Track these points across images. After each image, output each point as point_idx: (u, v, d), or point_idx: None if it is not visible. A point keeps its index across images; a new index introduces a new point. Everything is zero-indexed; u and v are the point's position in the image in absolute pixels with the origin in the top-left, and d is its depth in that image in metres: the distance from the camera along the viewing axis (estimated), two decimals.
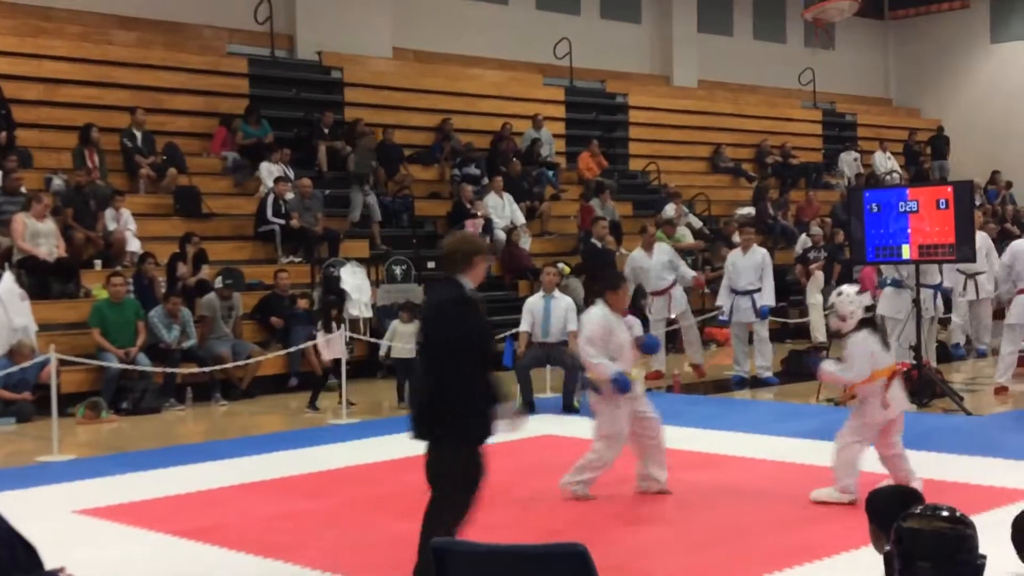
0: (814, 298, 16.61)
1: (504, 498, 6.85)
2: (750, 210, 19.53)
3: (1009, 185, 24.28)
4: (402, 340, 11.95)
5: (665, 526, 7.03)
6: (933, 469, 7.63)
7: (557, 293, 11.67)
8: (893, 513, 3.21)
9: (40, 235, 12.60)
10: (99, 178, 14.23)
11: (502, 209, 16.83)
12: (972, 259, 12.08)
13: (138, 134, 15.22)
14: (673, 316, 13.64)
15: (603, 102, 21.89)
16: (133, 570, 6.10)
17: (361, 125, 17.23)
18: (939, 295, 13.17)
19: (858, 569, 5.45)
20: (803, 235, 18.33)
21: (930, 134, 26.02)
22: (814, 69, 25.39)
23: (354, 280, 13.97)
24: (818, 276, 16.80)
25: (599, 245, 14.28)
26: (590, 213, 16.89)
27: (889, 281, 12.55)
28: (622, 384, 7.29)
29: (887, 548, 2.92)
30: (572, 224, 18.02)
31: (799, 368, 13.36)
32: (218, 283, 13.20)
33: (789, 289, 17.01)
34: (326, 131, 17.06)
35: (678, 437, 8.14)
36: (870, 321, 7.37)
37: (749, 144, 23.37)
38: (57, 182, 13.97)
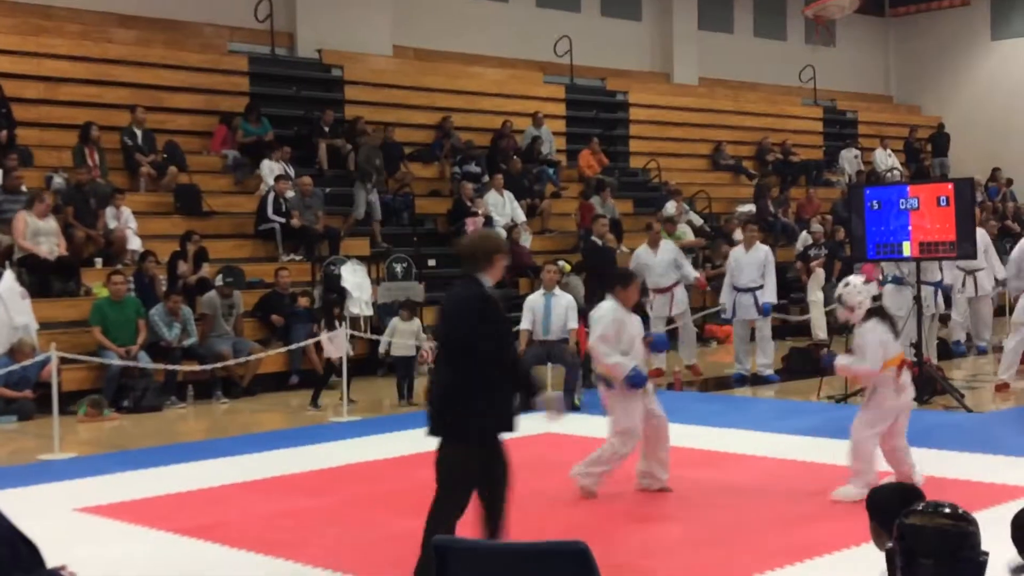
0: (815, 295, 16.60)
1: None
2: (751, 207, 19.53)
3: (1010, 182, 24.27)
4: (402, 338, 11.97)
5: (667, 524, 7.03)
6: (934, 466, 7.63)
7: (557, 291, 11.67)
8: (894, 510, 3.21)
9: (41, 233, 12.60)
10: (99, 176, 14.23)
11: (502, 207, 16.83)
12: (973, 256, 12.09)
13: (138, 132, 15.22)
14: (673, 315, 13.65)
15: (603, 100, 21.88)
16: (134, 568, 6.10)
17: (362, 123, 17.24)
18: (940, 292, 13.19)
19: (859, 566, 5.45)
20: (804, 232, 18.33)
21: (931, 131, 26.01)
22: (815, 66, 25.37)
23: (354, 278, 13.98)
24: (819, 273, 16.79)
25: (599, 243, 14.28)
26: (589, 211, 16.88)
27: (890, 278, 12.56)
28: (638, 380, 7.29)
29: (889, 545, 2.92)
30: (573, 222, 18.02)
31: (800, 365, 13.38)
32: (219, 281, 13.20)
33: (790, 286, 17.01)
34: (326, 129, 17.06)
35: (679, 434, 8.13)
36: (878, 310, 7.36)
37: (750, 141, 23.36)
38: (58, 180, 13.97)
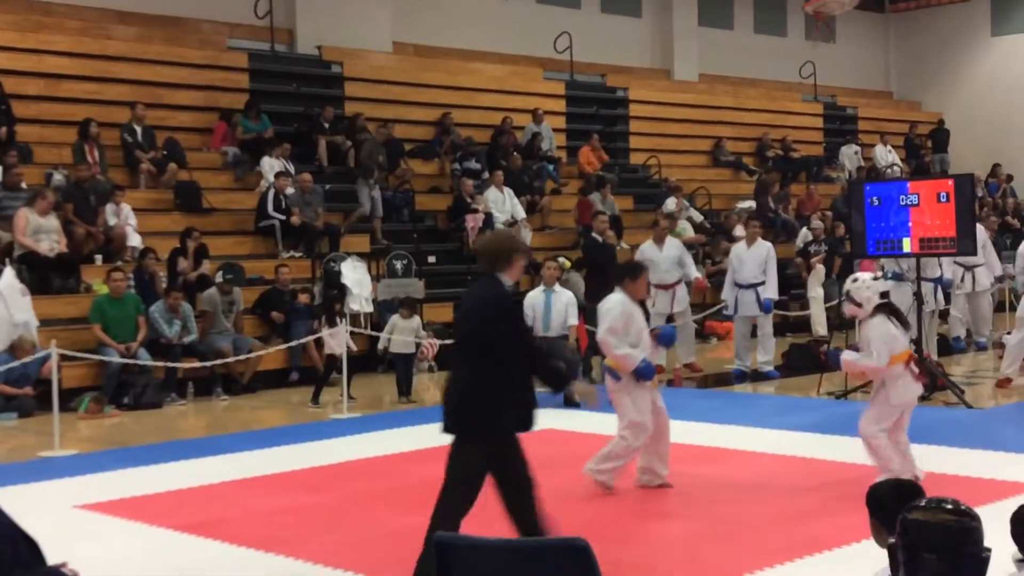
0: (815, 291, 16.63)
1: (494, 490, 6.85)
2: (751, 204, 19.53)
3: (1010, 178, 24.28)
4: (402, 335, 11.97)
5: (667, 520, 7.03)
6: (934, 462, 7.64)
7: (557, 287, 11.67)
8: (893, 506, 3.21)
9: (42, 231, 12.59)
10: (99, 173, 14.23)
11: (502, 203, 16.82)
12: (973, 252, 12.09)
13: (138, 129, 15.21)
14: (674, 312, 13.64)
15: (604, 96, 21.87)
16: (135, 565, 6.10)
17: (362, 119, 17.23)
18: (940, 288, 13.19)
19: (859, 562, 5.45)
20: (804, 229, 18.33)
21: (931, 127, 26.00)
22: (815, 62, 25.36)
23: (355, 275, 13.98)
24: (819, 269, 16.81)
25: (600, 240, 14.27)
26: (587, 207, 16.88)
27: (890, 275, 12.55)
28: (648, 372, 7.29)
29: (891, 540, 2.92)
30: (573, 218, 18.02)
31: (800, 362, 13.38)
32: (219, 278, 13.20)
33: (790, 283, 17.01)
34: (326, 126, 17.05)
35: (679, 431, 8.14)
36: (885, 306, 7.34)
37: (750, 138, 23.35)
38: (58, 177, 13.97)
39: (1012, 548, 3.43)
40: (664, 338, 8.10)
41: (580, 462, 7.69)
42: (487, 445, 5.15)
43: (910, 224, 11.03)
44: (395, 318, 12.22)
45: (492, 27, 20.71)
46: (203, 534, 6.57)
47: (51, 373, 10.11)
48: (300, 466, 8.51)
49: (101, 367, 11.69)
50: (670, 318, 13.67)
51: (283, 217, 14.69)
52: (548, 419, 9.89)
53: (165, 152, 15.31)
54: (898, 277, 12.45)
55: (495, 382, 5.13)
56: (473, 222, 16.24)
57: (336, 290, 13.56)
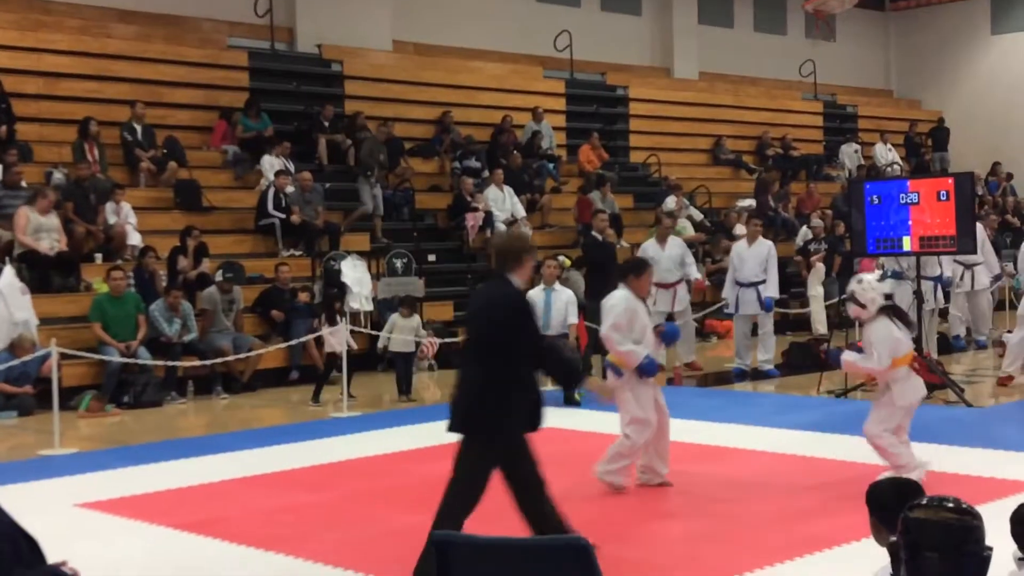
0: (815, 290, 16.63)
1: (505, 490, 6.85)
2: (751, 202, 19.53)
3: (1010, 176, 24.28)
4: (401, 334, 11.97)
5: (667, 519, 7.03)
6: (934, 461, 7.62)
7: (557, 286, 11.67)
8: (893, 505, 3.21)
9: (43, 229, 12.59)
10: (99, 172, 14.22)
11: (502, 202, 16.82)
12: (973, 251, 12.10)
13: (138, 128, 15.21)
14: (675, 311, 13.63)
15: (603, 94, 21.87)
16: (135, 563, 6.10)
17: (362, 118, 17.23)
18: (939, 287, 13.18)
19: (859, 561, 5.45)
20: (804, 227, 18.33)
21: (931, 126, 26.00)
22: (815, 61, 25.35)
23: (355, 273, 13.98)
24: (819, 268, 16.81)
25: (599, 238, 14.27)
26: (587, 206, 16.88)
27: (890, 273, 12.55)
28: (651, 368, 7.29)
29: (893, 539, 2.92)
30: (572, 217, 18.02)
31: (800, 360, 13.38)
32: (219, 276, 13.20)
33: (790, 281, 17.01)
34: (326, 124, 17.05)
35: (679, 429, 8.14)
36: (890, 308, 7.32)
37: (750, 136, 23.35)
38: (57, 176, 13.96)
39: (1012, 547, 3.43)
40: (668, 335, 8.09)
41: (580, 460, 7.70)
42: (495, 445, 5.16)
43: (910, 222, 11.03)
44: (395, 317, 12.22)
45: (492, 25, 20.71)
46: (203, 532, 6.57)
47: (51, 372, 10.11)
48: (300, 465, 8.51)
49: (101, 366, 11.69)
50: (670, 317, 13.66)
51: (283, 216, 14.69)
52: (549, 418, 9.91)
53: (165, 151, 15.31)
54: (898, 275, 12.45)
55: (504, 382, 5.14)
56: (473, 221, 16.25)
57: (336, 289, 13.56)
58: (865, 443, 7.38)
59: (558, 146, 19.86)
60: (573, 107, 20.98)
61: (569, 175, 19.51)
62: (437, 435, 9.00)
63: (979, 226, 13.94)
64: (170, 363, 11.79)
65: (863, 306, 7.19)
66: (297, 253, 14.74)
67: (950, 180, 11.17)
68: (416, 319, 12.30)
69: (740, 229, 16.61)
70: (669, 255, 13.50)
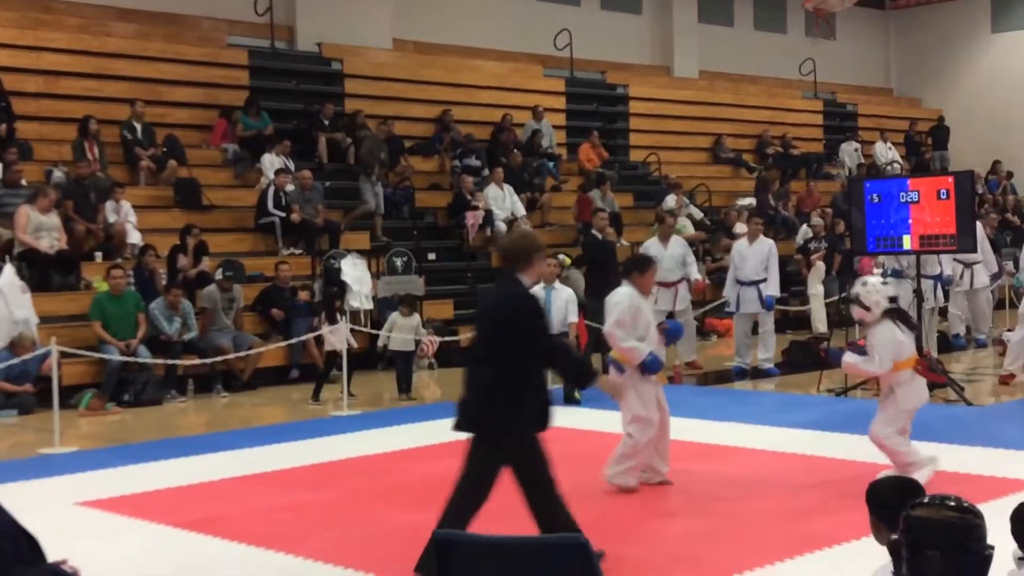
0: (815, 288, 16.63)
1: (506, 489, 6.85)
2: (751, 201, 19.52)
3: (1010, 175, 24.28)
4: (401, 332, 11.97)
5: (667, 517, 7.03)
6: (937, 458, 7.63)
7: (557, 284, 11.65)
8: (893, 504, 3.21)
9: (43, 228, 12.59)
10: (99, 170, 14.22)
11: (503, 200, 16.82)
12: (973, 249, 12.09)
13: (138, 126, 15.20)
14: (676, 310, 13.62)
15: (603, 93, 21.86)
16: (135, 562, 6.10)
17: (362, 116, 17.22)
18: (939, 285, 13.18)
19: (859, 560, 5.45)
20: (804, 226, 18.32)
21: (931, 124, 26.00)
22: (815, 59, 25.35)
23: (355, 272, 13.99)
24: (819, 266, 16.81)
25: (599, 237, 14.26)
26: (587, 204, 16.88)
27: (890, 272, 12.55)
28: (654, 365, 7.29)
29: (894, 537, 2.92)
30: (572, 215, 18.01)
31: (800, 359, 13.38)
32: (219, 275, 13.20)
33: (790, 280, 17.01)
34: (326, 123, 17.05)
35: (680, 428, 8.13)
36: (894, 311, 7.28)
37: (750, 135, 23.35)
38: (57, 174, 13.96)
39: (1012, 546, 3.43)
40: (672, 333, 8.07)
41: (579, 459, 7.70)
42: (504, 445, 5.17)
43: (910, 221, 11.02)
44: (395, 315, 12.22)
45: (492, 24, 20.70)
46: (203, 531, 6.57)
47: (51, 370, 10.10)
48: (300, 463, 8.51)
49: (101, 364, 11.69)
50: (670, 315, 13.66)
51: (283, 214, 14.69)
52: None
53: (165, 149, 15.31)
54: (898, 274, 12.44)
55: (513, 382, 5.15)
56: (473, 219, 16.25)
57: (336, 287, 13.56)
58: (866, 442, 7.39)
59: (558, 145, 19.86)
60: (573, 106, 20.98)
61: (569, 174, 19.50)
62: (437, 434, 9.05)
63: (978, 224, 13.95)
64: (170, 362, 11.79)
65: (867, 308, 7.18)
66: (297, 251, 14.74)
67: (950, 179, 11.16)
68: (416, 318, 12.30)
69: (740, 228, 16.61)
70: (671, 254, 13.49)
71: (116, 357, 11.57)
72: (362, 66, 18.50)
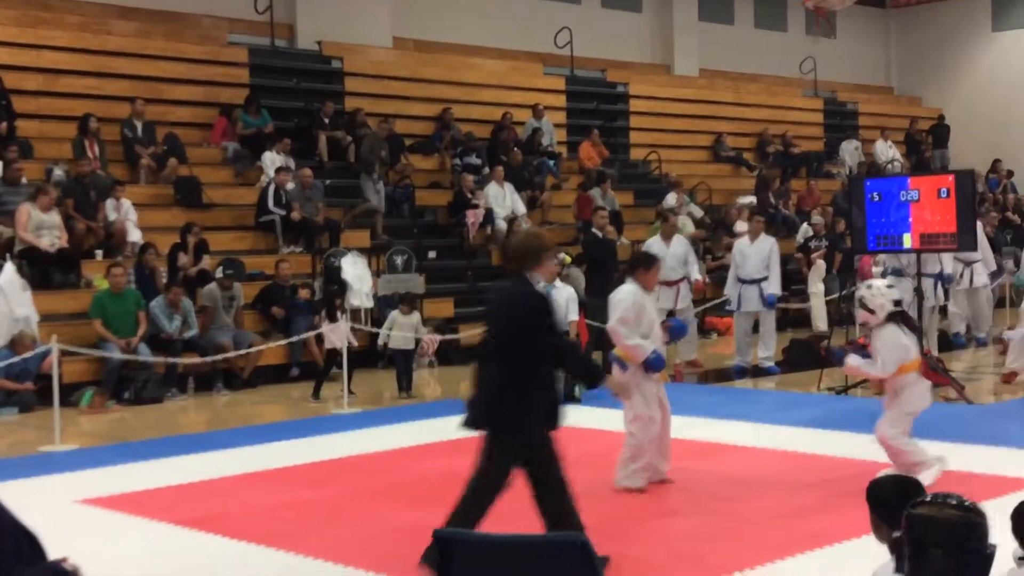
0: (815, 287, 16.62)
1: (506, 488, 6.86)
2: (751, 199, 19.52)
3: (1010, 174, 24.26)
4: (401, 331, 11.97)
5: (668, 516, 7.03)
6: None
7: (558, 283, 11.63)
8: (894, 502, 3.21)
9: (44, 226, 12.60)
10: (100, 168, 14.22)
11: (503, 199, 16.82)
12: (974, 248, 12.09)
13: (138, 124, 15.20)
14: (676, 309, 13.61)
15: (604, 91, 21.85)
16: (136, 560, 6.10)
17: (362, 115, 17.22)
18: (940, 284, 13.17)
19: (860, 558, 5.46)
20: (804, 224, 18.33)
21: (931, 123, 25.98)
22: (815, 58, 25.34)
23: (355, 270, 13.98)
24: (820, 265, 16.80)
25: (600, 235, 14.26)
26: (587, 203, 16.88)
27: (890, 270, 12.55)
28: (657, 363, 7.28)
29: (896, 535, 2.92)
30: (573, 214, 18.01)
31: (800, 357, 13.37)
32: (219, 273, 13.20)
33: (791, 278, 17.01)
34: (326, 121, 17.04)
35: (680, 426, 8.14)
36: (898, 315, 7.25)
37: (750, 133, 23.34)
38: (58, 172, 13.96)
39: (1013, 544, 3.43)
40: (675, 330, 8.06)
41: (579, 458, 7.65)
42: (514, 444, 5.18)
43: (910, 220, 11.02)
44: (395, 314, 12.22)
45: (492, 22, 20.70)
46: (204, 529, 6.57)
47: (52, 368, 10.11)
48: (301, 461, 8.52)
49: (102, 362, 11.69)
50: (671, 314, 13.66)
51: (283, 212, 14.69)
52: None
53: (165, 147, 15.31)
54: (898, 273, 12.44)
55: (523, 381, 5.16)
56: (473, 218, 16.24)
57: (336, 285, 13.56)
58: (866, 440, 7.40)
59: (558, 143, 19.86)
60: (573, 104, 20.97)
61: (569, 172, 19.50)
62: (437, 432, 9.05)
63: (979, 223, 13.94)
64: (171, 360, 11.80)
65: (872, 311, 7.17)
66: (297, 250, 14.74)
67: (950, 177, 11.16)
68: (416, 316, 12.30)
69: (741, 226, 16.61)
70: (674, 253, 13.48)
71: (117, 355, 11.57)
72: (362, 64, 18.49)
